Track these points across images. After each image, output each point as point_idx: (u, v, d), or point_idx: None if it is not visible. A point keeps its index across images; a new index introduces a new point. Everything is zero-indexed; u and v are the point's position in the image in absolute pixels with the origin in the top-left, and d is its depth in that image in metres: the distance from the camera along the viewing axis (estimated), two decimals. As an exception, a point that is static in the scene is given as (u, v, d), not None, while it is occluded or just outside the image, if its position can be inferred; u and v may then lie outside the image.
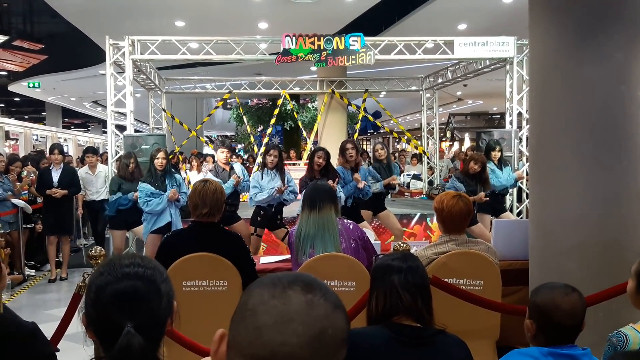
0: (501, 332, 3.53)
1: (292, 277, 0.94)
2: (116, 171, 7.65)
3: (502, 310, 3.40)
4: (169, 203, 6.35)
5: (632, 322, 2.29)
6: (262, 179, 6.41)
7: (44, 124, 25.31)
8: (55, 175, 7.88)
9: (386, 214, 7.10)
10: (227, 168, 6.69)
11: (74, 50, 16.35)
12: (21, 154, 15.63)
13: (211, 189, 3.63)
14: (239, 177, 6.52)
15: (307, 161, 6.78)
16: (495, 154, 7.16)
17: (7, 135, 18.62)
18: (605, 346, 2.25)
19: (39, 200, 8.42)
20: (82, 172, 8.72)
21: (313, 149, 6.94)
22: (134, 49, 8.73)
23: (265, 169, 6.46)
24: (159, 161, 6.47)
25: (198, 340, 2.80)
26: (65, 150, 22.08)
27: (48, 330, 2.55)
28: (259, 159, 10.34)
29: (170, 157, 7.30)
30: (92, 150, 9.23)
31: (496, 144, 7.33)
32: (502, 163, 7.19)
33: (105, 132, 15.93)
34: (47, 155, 8.19)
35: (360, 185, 6.30)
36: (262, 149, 8.46)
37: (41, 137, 21.54)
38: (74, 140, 24.30)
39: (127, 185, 6.95)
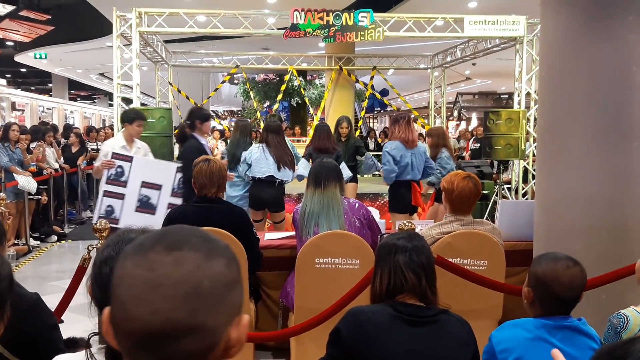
0: (504, 312, 3.54)
1: (157, 237, 0.84)
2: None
3: (505, 290, 3.40)
4: None
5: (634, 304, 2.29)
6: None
7: (51, 96, 25.27)
8: None
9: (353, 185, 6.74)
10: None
11: (81, 22, 16.23)
12: (27, 125, 15.62)
13: (217, 167, 3.68)
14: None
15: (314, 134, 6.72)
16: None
17: (13, 106, 18.62)
18: (605, 327, 2.26)
19: (45, 172, 8.39)
20: None
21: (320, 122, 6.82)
22: (141, 21, 8.67)
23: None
24: None
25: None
26: (71, 122, 22.17)
27: (52, 302, 2.57)
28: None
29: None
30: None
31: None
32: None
33: (111, 105, 15.91)
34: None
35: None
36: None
37: (47, 109, 21.53)
38: (80, 113, 24.31)
39: None
